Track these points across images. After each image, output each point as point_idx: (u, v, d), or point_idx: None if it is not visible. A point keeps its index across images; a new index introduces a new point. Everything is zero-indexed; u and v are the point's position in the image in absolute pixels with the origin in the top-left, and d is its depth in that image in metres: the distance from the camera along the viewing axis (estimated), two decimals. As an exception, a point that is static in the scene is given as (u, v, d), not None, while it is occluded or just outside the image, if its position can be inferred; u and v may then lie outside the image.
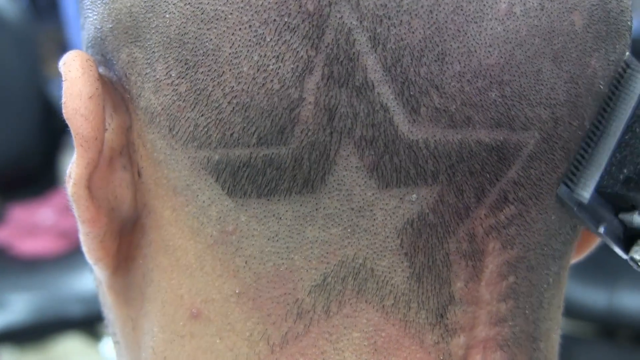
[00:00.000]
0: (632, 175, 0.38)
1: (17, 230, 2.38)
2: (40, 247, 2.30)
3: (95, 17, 0.41)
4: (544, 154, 0.38)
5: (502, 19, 0.36)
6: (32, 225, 2.37)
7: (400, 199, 0.37)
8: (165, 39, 0.37)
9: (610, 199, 0.38)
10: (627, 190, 0.38)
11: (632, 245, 0.39)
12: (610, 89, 0.39)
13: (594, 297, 2.43)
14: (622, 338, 2.60)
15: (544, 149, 0.38)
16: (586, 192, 0.38)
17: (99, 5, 0.40)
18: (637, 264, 0.39)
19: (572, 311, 2.46)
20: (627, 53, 0.40)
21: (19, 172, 2.35)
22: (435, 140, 0.36)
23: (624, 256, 0.39)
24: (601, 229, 0.39)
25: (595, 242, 0.46)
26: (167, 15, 0.37)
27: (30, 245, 2.32)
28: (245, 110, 0.36)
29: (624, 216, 0.39)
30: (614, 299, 2.44)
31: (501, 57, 0.36)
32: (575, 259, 0.45)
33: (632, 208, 0.38)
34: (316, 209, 0.37)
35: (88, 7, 0.41)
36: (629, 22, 0.40)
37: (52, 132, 2.53)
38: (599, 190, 0.38)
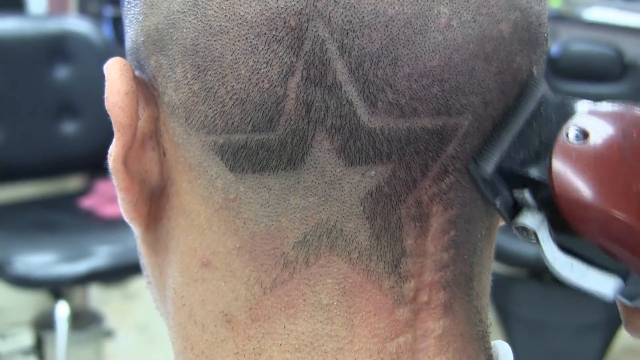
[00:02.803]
0: (525, 159, 0.36)
1: (101, 199, 2.38)
2: (118, 212, 2.30)
3: (132, 32, 0.40)
4: (477, 131, 0.36)
5: (442, 30, 0.34)
6: (112, 195, 2.37)
7: (362, 174, 0.35)
8: (182, 48, 0.36)
9: (508, 178, 0.37)
10: (521, 170, 0.36)
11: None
12: (516, 94, 0.37)
13: (527, 249, 2.43)
14: (546, 279, 2.60)
15: (476, 127, 0.36)
16: (489, 168, 0.36)
17: (134, 23, 0.39)
18: (518, 231, 0.37)
19: (510, 259, 2.46)
20: (535, 69, 0.38)
21: (103, 157, 2.34)
22: (389, 128, 0.35)
23: (509, 226, 0.38)
24: (497, 201, 0.37)
25: None
26: (184, 30, 0.35)
27: (110, 210, 2.32)
28: (243, 104, 0.35)
29: (517, 193, 0.37)
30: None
31: (442, 60, 0.34)
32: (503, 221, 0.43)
33: (523, 187, 0.37)
34: (297, 182, 0.36)
35: (127, 25, 0.40)
36: (545, 35, 0.39)
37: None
38: (500, 168, 0.36)
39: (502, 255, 2.43)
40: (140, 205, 0.40)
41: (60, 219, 2.35)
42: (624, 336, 2.54)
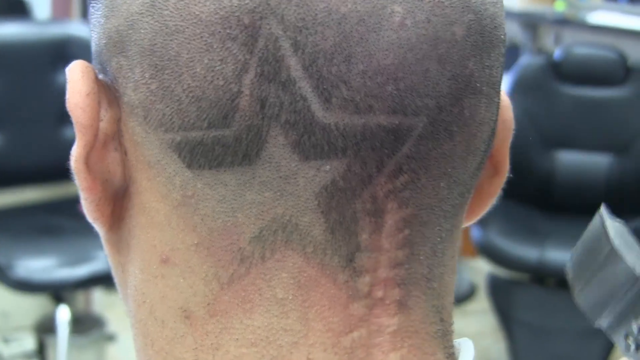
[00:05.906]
0: None
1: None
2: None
3: (95, 36, 0.40)
4: (431, 134, 0.36)
5: (396, 29, 0.35)
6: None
7: (317, 169, 0.36)
8: (141, 49, 0.36)
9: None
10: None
11: None
12: (472, 104, 0.39)
13: (529, 253, 2.44)
14: (549, 283, 2.61)
15: (430, 130, 0.36)
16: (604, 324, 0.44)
17: (97, 27, 0.40)
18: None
19: (512, 264, 2.46)
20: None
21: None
22: (344, 124, 0.35)
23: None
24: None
25: (484, 210, 0.45)
26: (142, 31, 0.36)
27: (112, 215, 2.33)
28: (199, 102, 0.35)
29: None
30: (543, 255, 2.44)
31: (395, 59, 0.35)
32: (468, 222, 0.43)
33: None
34: (253, 178, 0.36)
35: (92, 29, 0.41)
36: (502, 37, 0.39)
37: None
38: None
39: (505, 260, 2.43)
40: (103, 205, 0.40)
41: (62, 223, 2.36)
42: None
